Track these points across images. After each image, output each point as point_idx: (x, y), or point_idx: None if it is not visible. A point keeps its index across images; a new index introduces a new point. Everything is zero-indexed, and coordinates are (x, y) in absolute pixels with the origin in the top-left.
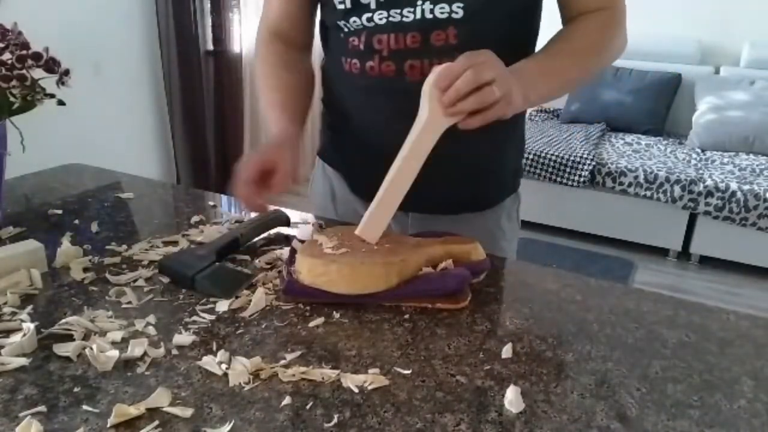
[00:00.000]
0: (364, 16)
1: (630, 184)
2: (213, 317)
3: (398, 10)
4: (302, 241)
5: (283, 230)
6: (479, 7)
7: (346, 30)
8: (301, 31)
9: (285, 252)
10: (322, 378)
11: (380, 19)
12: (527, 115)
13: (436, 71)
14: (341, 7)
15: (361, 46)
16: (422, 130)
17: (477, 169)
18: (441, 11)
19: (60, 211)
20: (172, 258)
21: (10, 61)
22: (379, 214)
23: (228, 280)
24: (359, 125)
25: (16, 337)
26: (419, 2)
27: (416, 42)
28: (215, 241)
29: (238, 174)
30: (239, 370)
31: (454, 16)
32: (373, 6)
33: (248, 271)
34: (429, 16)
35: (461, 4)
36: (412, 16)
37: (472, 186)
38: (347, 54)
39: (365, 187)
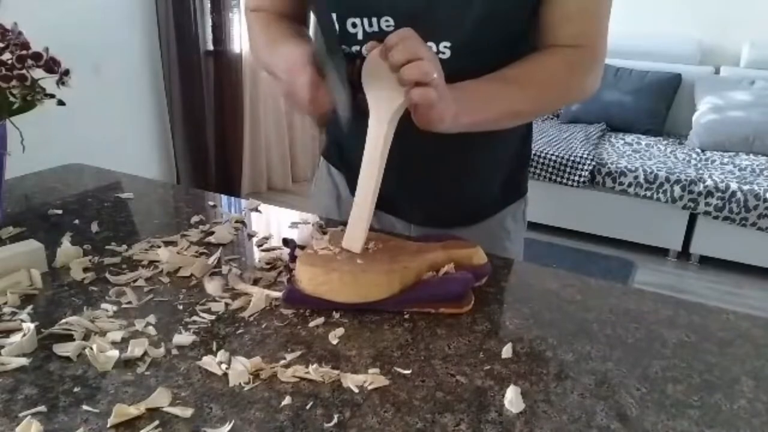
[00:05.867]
0: (354, 47)
1: (630, 184)
2: (213, 317)
3: None
4: (302, 247)
5: (283, 232)
6: (466, 45)
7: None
8: (297, 17)
9: (285, 252)
10: (322, 378)
11: (367, 53)
12: None
13: (367, 61)
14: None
15: (355, 75)
16: (373, 124)
17: (476, 184)
18: None
19: (60, 211)
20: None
21: (10, 61)
22: (357, 221)
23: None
24: (359, 136)
25: (16, 337)
26: None
27: None
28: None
29: (296, 83)
30: (239, 370)
31: (441, 56)
32: (360, 37)
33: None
34: None
35: (448, 44)
36: None
37: (472, 201)
38: None
39: None
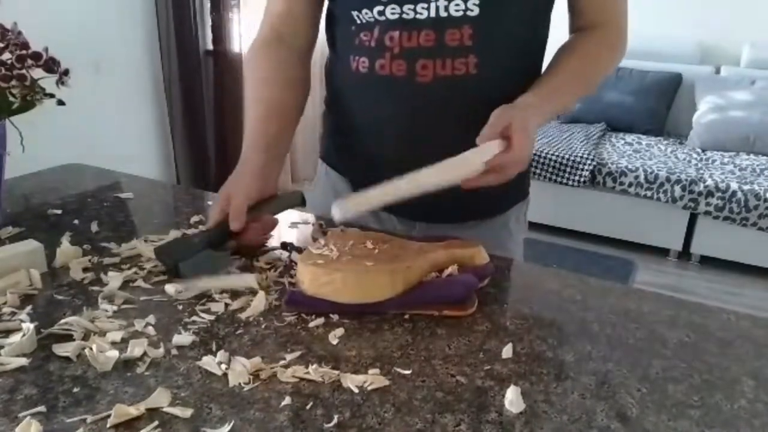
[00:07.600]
0: (376, 9)
1: (630, 184)
2: (212, 317)
3: (411, 6)
4: (301, 250)
5: (283, 232)
6: (495, 4)
7: (358, 22)
8: (303, 32)
9: (285, 253)
10: (322, 378)
11: (392, 14)
12: None
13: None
14: None
15: (372, 43)
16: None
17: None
18: (456, 8)
19: (60, 211)
20: (164, 247)
21: (10, 61)
22: (369, 199)
23: (211, 265)
24: (365, 128)
25: (16, 337)
26: None
27: (430, 40)
28: (210, 228)
29: (214, 205)
30: (239, 370)
31: (469, 13)
32: None
33: (228, 253)
34: (444, 14)
35: (476, 1)
36: (426, 13)
37: (476, 199)
38: (356, 52)
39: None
